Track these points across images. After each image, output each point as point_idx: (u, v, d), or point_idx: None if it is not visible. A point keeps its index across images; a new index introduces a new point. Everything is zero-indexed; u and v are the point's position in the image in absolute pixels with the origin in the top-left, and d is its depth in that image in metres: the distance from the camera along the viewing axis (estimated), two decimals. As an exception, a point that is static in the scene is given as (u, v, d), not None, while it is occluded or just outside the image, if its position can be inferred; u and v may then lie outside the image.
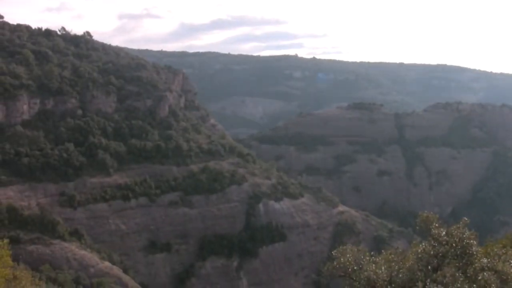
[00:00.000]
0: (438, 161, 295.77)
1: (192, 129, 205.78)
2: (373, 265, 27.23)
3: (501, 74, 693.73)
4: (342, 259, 27.82)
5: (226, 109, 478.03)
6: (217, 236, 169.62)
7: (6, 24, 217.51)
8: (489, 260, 24.98)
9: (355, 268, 27.30)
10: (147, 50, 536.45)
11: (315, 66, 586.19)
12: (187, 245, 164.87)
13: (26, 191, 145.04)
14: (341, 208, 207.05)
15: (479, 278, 24.09)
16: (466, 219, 27.26)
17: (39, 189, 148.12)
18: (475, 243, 25.48)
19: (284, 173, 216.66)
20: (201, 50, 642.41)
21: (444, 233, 25.95)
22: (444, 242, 25.52)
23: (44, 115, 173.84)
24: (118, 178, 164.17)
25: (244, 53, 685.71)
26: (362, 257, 28.00)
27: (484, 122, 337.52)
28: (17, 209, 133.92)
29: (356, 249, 28.69)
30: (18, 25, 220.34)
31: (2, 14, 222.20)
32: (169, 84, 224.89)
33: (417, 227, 28.39)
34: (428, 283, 24.28)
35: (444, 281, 24.05)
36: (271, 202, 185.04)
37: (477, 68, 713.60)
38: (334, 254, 28.67)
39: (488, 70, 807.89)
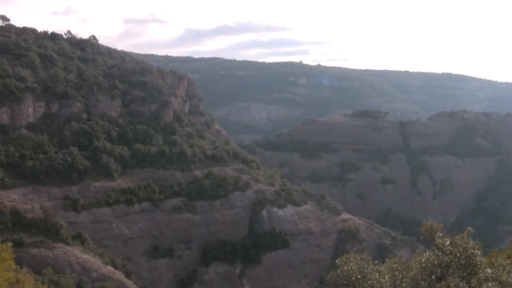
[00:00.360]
0: (442, 169, 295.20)
1: (196, 135, 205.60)
2: (377, 274, 27.15)
3: (506, 83, 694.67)
4: (345, 268, 27.75)
5: (230, 115, 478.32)
6: (220, 242, 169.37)
7: (12, 27, 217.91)
8: (493, 270, 24.88)
9: (358, 276, 27.22)
10: (152, 55, 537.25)
11: (320, 73, 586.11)
12: (190, 250, 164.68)
13: (29, 194, 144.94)
14: (344, 215, 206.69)
15: (483, 288, 24.01)
16: (471, 228, 27.15)
17: (43, 193, 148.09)
18: (479, 253, 25.40)
19: (288, 180, 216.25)
20: (206, 56, 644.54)
21: (448, 242, 25.86)
22: (448, 252, 25.44)
23: (49, 119, 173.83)
24: (122, 183, 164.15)
25: (249, 59, 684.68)
26: (365, 265, 27.93)
27: (489, 131, 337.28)
28: (20, 212, 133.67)
29: (359, 258, 28.61)
30: (24, 28, 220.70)
31: (9, 17, 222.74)
32: (174, 89, 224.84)
33: (421, 236, 28.31)
34: (431, 293, 24.20)
35: (448, 291, 23.96)
36: (275, 209, 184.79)
37: (482, 77, 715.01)
38: (337, 262, 28.60)
39: (493, 79, 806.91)
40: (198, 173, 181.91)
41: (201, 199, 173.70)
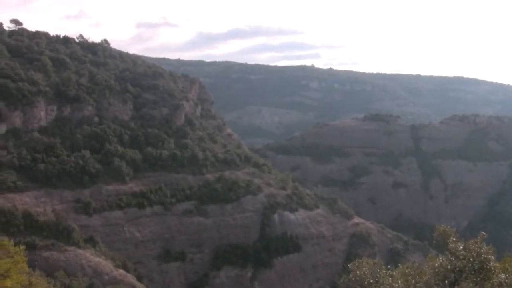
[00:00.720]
0: (454, 173, 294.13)
1: (208, 138, 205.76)
2: (390, 278, 27.06)
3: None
4: (358, 272, 27.66)
5: (242, 118, 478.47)
6: (232, 246, 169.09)
7: (25, 30, 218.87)
8: (507, 275, 24.72)
9: (371, 281, 27.14)
10: (164, 59, 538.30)
11: (331, 77, 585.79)
12: (201, 254, 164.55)
13: (42, 197, 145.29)
14: (356, 219, 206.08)
15: (497, 293, 23.85)
16: (484, 233, 27.02)
17: (55, 196, 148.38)
18: (493, 258, 25.25)
19: (299, 183, 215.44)
20: (218, 59, 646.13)
21: (461, 247, 25.73)
22: (461, 257, 25.30)
23: (61, 122, 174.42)
24: (133, 186, 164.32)
25: (261, 63, 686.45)
26: (378, 270, 27.83)
27: (501, 135, 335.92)
28: (33, 215, 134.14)
29: (372, 262, 28.52)
30: (37, 32, 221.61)
31: (21, 21, 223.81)
32: (186, 93, 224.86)
33: (434, 241, 28.18)
34: (445, 298, 24.06)
35: (462, 296, 23.81)
36: (286, 213, 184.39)
37: (494, 81, 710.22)
38: (350, 266, 28.53)
39: (505, 82, 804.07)
40: (209, 176, 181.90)
41: (212, 203, 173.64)
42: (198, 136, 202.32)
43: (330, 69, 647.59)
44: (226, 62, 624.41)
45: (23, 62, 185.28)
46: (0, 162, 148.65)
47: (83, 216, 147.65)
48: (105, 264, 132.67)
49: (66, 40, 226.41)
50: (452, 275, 25.25)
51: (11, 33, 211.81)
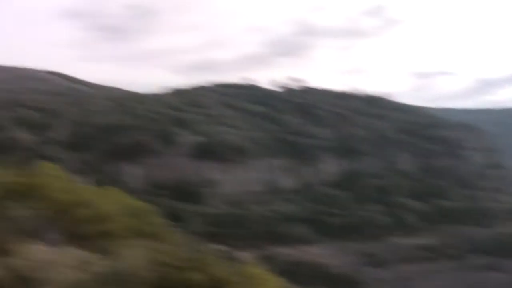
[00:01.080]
0: None
1: (497, 189, 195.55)
2: None
3: None
4: None
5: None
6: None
7: (306, 88, 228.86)
8: None
9: None
10: (443, 108, 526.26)
11: None
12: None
13: (331, 249, 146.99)
14: None
15: None
16: None
17: (345, 248, 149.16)
18: None
19: None
20: (499, 106, 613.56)
21: None
22: None
23: (347, 175, 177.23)
24: (423, 239, 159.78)
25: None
26: None
27: None
28: (323, 266, 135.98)
29: None
30: (317, 89, 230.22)
31: (302, 78, 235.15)
32: (470, 142, 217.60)
33: None
34: None
35: None
36: None
37: None
38: None
39: None
40: (503, 230, 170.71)
41: (508, 258, 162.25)
42: (486, 187, 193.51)
43: None
44: (508, 108, 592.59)
45: (308, 118, 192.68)
46: (291, 216, 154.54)
47: (374, 269, 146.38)
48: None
49: (345, 95, 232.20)
50: None
51: (295, 91, 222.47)
